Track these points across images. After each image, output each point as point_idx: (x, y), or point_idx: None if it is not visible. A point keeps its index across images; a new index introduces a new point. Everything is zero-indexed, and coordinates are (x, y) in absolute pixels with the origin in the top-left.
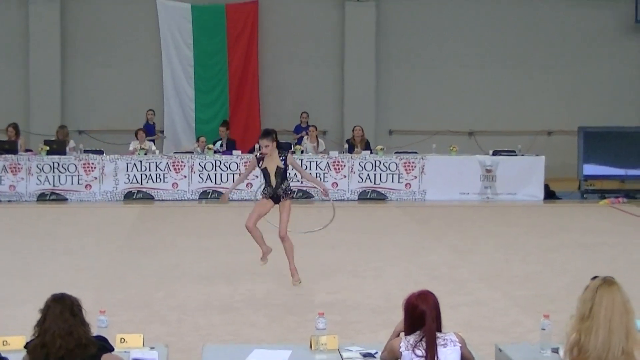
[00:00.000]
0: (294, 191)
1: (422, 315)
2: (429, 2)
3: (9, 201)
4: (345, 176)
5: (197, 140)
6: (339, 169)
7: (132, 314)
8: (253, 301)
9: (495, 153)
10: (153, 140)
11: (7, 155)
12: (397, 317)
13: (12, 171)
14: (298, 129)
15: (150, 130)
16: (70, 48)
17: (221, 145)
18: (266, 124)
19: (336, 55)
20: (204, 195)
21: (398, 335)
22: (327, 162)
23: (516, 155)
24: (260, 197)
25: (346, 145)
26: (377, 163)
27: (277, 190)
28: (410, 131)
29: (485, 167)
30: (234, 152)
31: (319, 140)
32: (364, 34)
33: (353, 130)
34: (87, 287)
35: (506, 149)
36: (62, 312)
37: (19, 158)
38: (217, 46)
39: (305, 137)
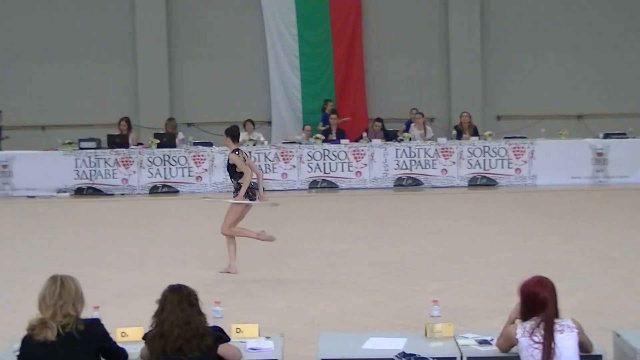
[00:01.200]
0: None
1: (543, 302)
2: None
3: (122, 194)
4: (454, 162)
5: (303, 129)
6: (447, 155)
7: (241, 303)
8: (360, 289)
9: (606, 136)
10: (328, 129)
11: (119, 149)
12: (512, 303)
13: (124, 165)
14: (408, 125)
15: (327, 121)
16: (177, 42)
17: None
18: (373, 113)
19: (441, 41)
20: (314, 185)
21: (513, 322)
22: (436, 149)
23: (627, 137)
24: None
25: (454, 132)
26: (486, 149)
27: (234, 187)
28: (518, 116)
29: (596, 150)
30: (341, 141)
31: (426, 127)
32: (468, 20)
33: (460, 117)
34: (199, 278)
35: (617, 132)
36: (180, 302)
37: (130, 152)
38: (321, 37)
39: (412, 125)
